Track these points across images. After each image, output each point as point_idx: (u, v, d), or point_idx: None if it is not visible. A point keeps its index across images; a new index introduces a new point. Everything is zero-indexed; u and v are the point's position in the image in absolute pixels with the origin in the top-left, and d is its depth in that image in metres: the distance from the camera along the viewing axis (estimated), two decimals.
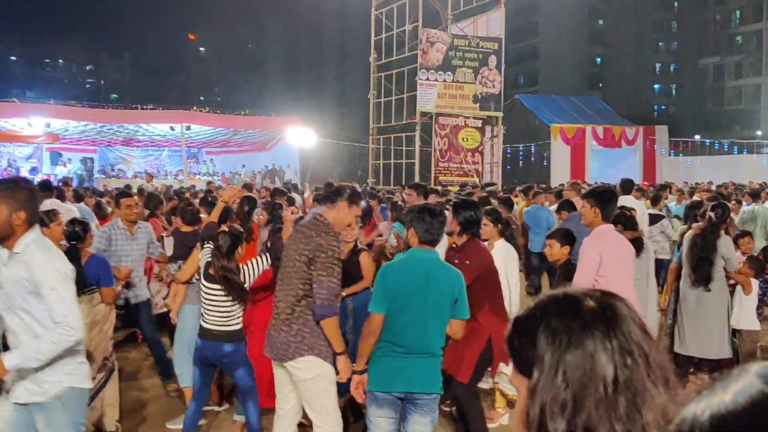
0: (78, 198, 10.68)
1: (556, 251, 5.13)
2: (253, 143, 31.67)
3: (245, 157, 31.48)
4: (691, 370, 6.28)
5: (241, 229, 4.71)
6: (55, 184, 19.91)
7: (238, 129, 29.73)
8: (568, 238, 5.16)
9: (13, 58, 72.28)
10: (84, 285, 4.69)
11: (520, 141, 34.86)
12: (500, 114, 25.21)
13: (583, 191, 6.93)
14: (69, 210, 7.47)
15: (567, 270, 5.05)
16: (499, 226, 5.72)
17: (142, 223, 6.52)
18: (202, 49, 75.11)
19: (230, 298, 4.42)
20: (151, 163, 30.92)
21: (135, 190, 13.77)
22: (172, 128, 26.96)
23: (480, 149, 24.95)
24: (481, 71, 24.49)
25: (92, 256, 4.98)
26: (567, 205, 8.04)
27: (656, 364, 1.07)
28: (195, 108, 30.53)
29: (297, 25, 63.55)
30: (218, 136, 30.31)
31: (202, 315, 4.52)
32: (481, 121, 24.99)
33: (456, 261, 4.30)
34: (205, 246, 4.63)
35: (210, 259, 4.45)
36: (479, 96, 24.62)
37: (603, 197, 4.64)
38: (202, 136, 29.75)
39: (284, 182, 26.49)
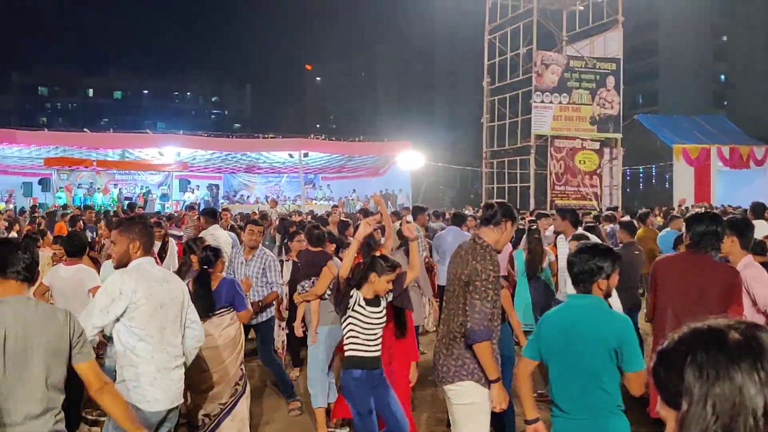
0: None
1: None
2: (367, 168, 32.29)
3: (359, 183, 32.11)
4: None
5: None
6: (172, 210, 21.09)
7: (353, 155, 30.44)
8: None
9: (146, 92, 77.54)
10: (213, 307, 4.94)
11: (640, 163, 33.61)
12: (619, 135, 24.46)
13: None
14: (224, 236, 7.81)
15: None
16: None
17: (262, 249, 6.77)
18: (318, 78, 77.62)
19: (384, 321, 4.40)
20: (271, 189, 32.15)
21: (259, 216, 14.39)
22: (290, 155, 27.99)
23: (598, 172, 24.27)
24: (598, 92, 23.91)
25: (224, 279, 5.18)
26: None
27: None
28: (312, 135, 31.59)
29: (408, 52, 64.50)
30: (334, 162, 31.13)
31: (363, 344, 4.29)
32: (598, 143, 24.33)
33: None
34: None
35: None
36: (597, 117, 24.01)
37: (740, 226, 4.48)
38: (318, 163, 30.66)
39: (397, 207, 26.84)
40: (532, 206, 22.40)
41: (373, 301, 4.30)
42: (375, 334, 4.27)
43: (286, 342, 7.66)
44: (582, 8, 25.57)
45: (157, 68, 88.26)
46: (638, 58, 52.63)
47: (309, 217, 14.41)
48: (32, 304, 2.94)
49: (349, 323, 4.27)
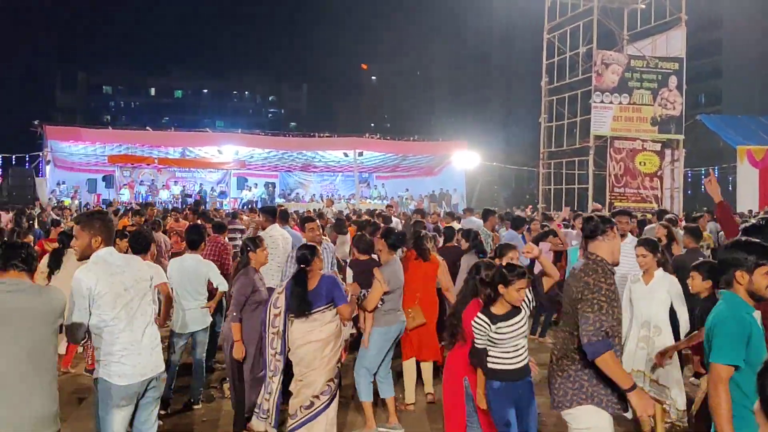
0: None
1: (698, 284, 5.08)
2: (421, 168, 32.28)
3: (414, 182, 32.12)
4: None
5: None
6: (232, 207, 21.39)
7: (407, 154, 30.48)
8: (712, 272, 4.88)
9: (206, 91, 79.18)
10: (310, 306, 5.03)
11: (702, 164, 32.73)
12: (681, 137, 23.81)
13: None
14: (283, 235, 7.87)
15: (709, 304, 4.66)
16: (658, 255, 5.58)
17: (326, 244, 6.92)
18: (373, 78, 77.91)
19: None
20: (326, 188, 32.45)
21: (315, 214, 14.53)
22: (345, 154, 28.22)
23: (659, 174, 23.67)
24: (660, 92, 23.31)
25: (323, 276, 5.23)
26: None
27: None
28: (367, 135, 31.75)
29: (464, 51, 64.16)
30: (388, 161, 31.23)
31: (503, 357, 4.13)
32: (660, 144, 23.74)
33: None
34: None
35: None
36: (658, 118, 23.43)
37: None
38: (373, 162, 30.81)
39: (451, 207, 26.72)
40: (590, 208, 22.01)
41: (509, 314, 4.14)
42: (516, 345, 4.13)
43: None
44: (644, 6, 24.96)
45: (217, 68, 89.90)
46: (701, 57, 51.11)
47: (365, 216, 14.43)
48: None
49: (487, 346, 4.10)
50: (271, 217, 8.07)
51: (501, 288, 4.11)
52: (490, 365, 4.12)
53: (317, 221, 7.56)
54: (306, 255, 5.16)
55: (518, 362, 4.14)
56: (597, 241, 3.72)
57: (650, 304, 5.53)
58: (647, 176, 23.48)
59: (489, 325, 4.08)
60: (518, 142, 43.38)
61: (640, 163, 23.37)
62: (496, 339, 4.08)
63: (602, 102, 22.99)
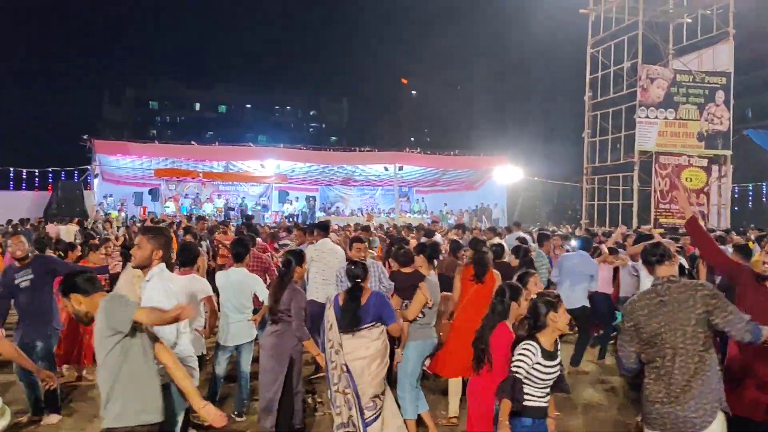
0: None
1: None
2: (462, 182, 32.19)
3: (454, 196, 32.03)
4: None
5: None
6: (271, 220, 21.57)
7: (448, 168, 30.46)
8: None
9: (249, 105, 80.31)
10: (360, 322, 5.07)
11: (749, 180, 31.93)
12: (729, 152, 23.31)
13: None
14: (333, 250, 8.04)
15: None
16: None
17: (372, 262, 6.90)
18: (413, 92, 78.08)
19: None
20: (366, 202, 32.55)
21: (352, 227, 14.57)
22: (385, 168, 28.31)
23: (705, 190, 23.19)
24: (706, 107, 22.88)
25: (373, 292, 5.29)
26: None
27: None
28: (407, 149, 31.81)
29: (505, 65, 63.98)
30: (428, 175, 31.24)
31: (535, 394, 4.02)
32: (706, 159, 23.26)
33: None
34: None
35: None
36: (705, 133, 22.98)
37: None
38: (413, 176, 30.84)
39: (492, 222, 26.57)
40: (634, 224, 21.65)
41: (554, 353, 4.06)
42: (547, 385, 4.05)
43: None
44: (690, 21, 24.63)
45: (260, 83, 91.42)
46: (749, 71, 50.01)
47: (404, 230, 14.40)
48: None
49: (525, 377, 3.97)
50: (322, 231, 8.23)
51: (552, 316, 3.99)
52: (525, 401, 4.00)
53: (364, 242, 7.51)
54: (359, 272, 5.22)
55: (546, 401, 4.08)
56: (665, 266, 3.89)
57: None
58: (693, 192, 23.01)
59: (534, 357, 3.95)
60: (560, 157, 42.93)
61: (686, 179, 22.93)
62: (535, 375, 3.96)
63: (647, 117, 22.65)
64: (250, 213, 24.33)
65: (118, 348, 3.45)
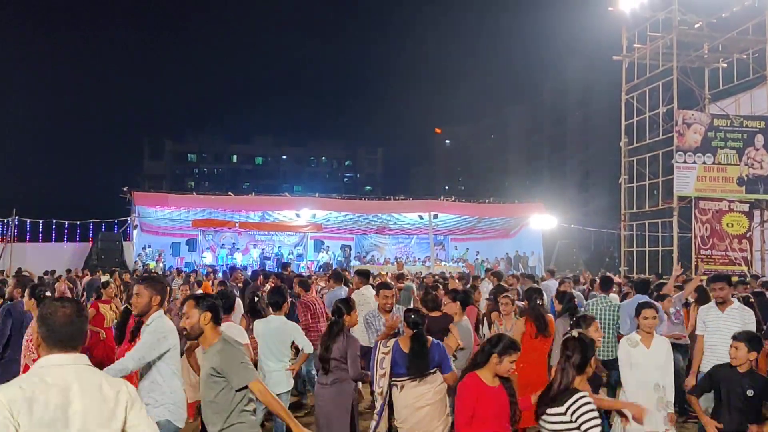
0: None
1: (742, 355, 4.82)
2: (497, 230, 32.03)
3: (489, 244, 31.85)
4: None
5: None
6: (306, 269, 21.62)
7: (483, 216, 30.35)
8: (755, 342, 4.81)
9: (284, 157, 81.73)
10: (428, 367, 5.15)
11: None
12: None
13: None
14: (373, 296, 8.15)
15: (752, 379, 4.73)
16: None
17: (397, 309, 6.89)
18: (447, 141, 78.63)
19: None
20: (401, 250, 32.52)
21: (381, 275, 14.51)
22: (420, 217, 28.32)
23: (748, 235, 22.66)
24: (746, 152, 22.54)
25: (433, 341, 5.35)
26: None
27: None
28: (441, 197, 31.86)
29: (539, 113, 64.12)
30: (463, 223, 31.17)
31: None
32: (747, 204, 22.81)
33: None
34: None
35: None
36: (745, 178, 22.58)
37: None
38: (448, 224, 30.79)
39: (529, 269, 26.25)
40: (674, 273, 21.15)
41: None
42: None
43: None
44: (725, 65, 24.50)
45: (295, 135, 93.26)
46: None
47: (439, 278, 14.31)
48: None
49: None
50: (365, 278, 8.55)
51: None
52: None
53: (392, 288, 7.43)
54: (419, 319, 5.30)
55: None
56: None
57: None
58: (735, 238, 22.50)
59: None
60: (596, 203, 42.60)
61: (727, 224, 22.45)
62: None
63: (685, 162, 22.37)
64: (286, 261, 24.48)
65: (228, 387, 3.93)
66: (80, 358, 2.63)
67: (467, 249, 32.27)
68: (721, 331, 6.28)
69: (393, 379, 5.14)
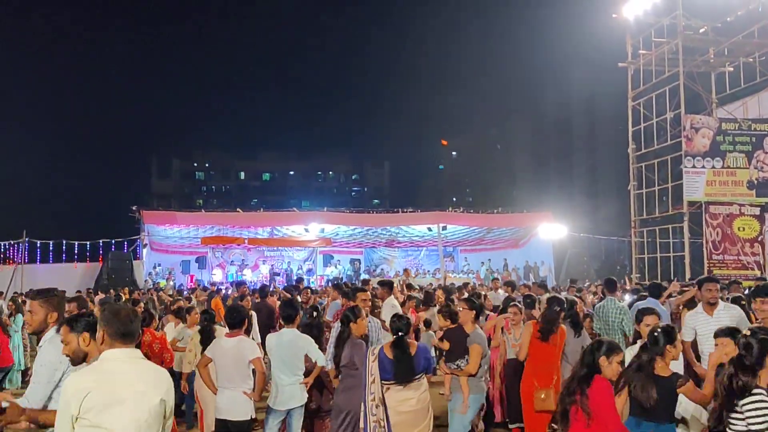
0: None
1: (731, 350, 4.47)
2: (506, 240, 31.94)
3: (499, 254, 31.73)
4: None
5: None
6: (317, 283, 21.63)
7: (492, 227, 30.27)
8: (737, 334, 4.60)
9: (292, 173, 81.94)
10: (414, 373, 5.17)
11: None
12: None
13: None
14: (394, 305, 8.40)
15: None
16: None
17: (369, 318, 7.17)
18: (454, 153, 78.64)
19: None
20: (410, 263, 32.41)
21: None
22: (429, 229, 28.26)
23: (760, 239, 22.49)
24: (755, 155, 22.43)
25: (420, 345, 5.41)
26: None
27: None
28: (449, 209, 31.79)
29: (545, 122, 64.05)
30: (472, 234, 31.08)
31: None
32: (759, 208, 22.65)
33: None
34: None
35: None
36: (755, 181, 22.46)
37: None
38: (457, 236, 30.71)
39: (540, 279, 26.11)
40: (687, 277, 21.03)
41: None
42: None
43: None
44: (732, 69, 24.45)
45: (302, 150, 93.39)
46: None
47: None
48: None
49: None
50: (389, 289, 9.00)
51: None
52: None
53: (368, 292, 7.87)
54: (402, 325, 5.34)
55: None
56: None
57: None
58: (747, 242, 22.34)
59: None
60: (604, 211, 42.40)
61: (738, 228, 22.31)
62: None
63: (694, 167, 22.27)
64: (300, 277, 24.52)
65: None
66: (135, 352, 3.29)
67: (487, 260, 32.04)
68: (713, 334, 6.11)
69: (381, 382, 5.18)
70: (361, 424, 5.27)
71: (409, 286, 13.23)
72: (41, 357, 4.06)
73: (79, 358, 3.80)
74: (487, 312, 9.76)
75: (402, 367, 5.10)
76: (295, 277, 26.56)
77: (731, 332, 4.83)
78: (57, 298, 4.40)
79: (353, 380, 5.54)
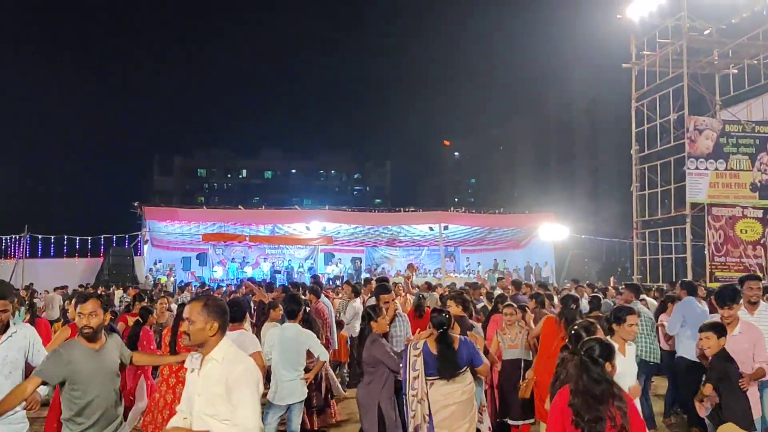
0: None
1: (714, 343, 5.04)
2: (508, 241, 31.83)
3: (500, 255, 31.63)
4: None
5: None
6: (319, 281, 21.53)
7: (493, 227, 30.16)
8: (719, 328, 5.11)
9: (294, 171, 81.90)
10: (458, 367, 5.16)
11: None
12: None
13: None
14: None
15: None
16: None
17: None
18: (456, 153, 78.57)
19: None
20: (411, 262, 32.33)
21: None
22: (431, 228, 28.17)
23: (762, 241, 22.44)
24: (759, 157, 22.39)
25: (462, 338, 5.38)
26: None
27: None
28: (451, 209, 31.70)
29: (547, 123, 63.91)
30: (474, 234, 30.98)
31: None
32: (761, 210, 22.60)
33: None
34: None
35: None
36: (758, 183, 22.41)
37: None
38: (458, 236, 30.61)
39: (541, 280, 26.04)
40: (689, 279, 20.95)
41: None
42: None
43: None
44: (736, 71, 24.38)
45: (304, 149, 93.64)
46: None
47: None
48: None
49: None
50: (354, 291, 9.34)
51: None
52: None
53: (392, 293, 7.41)
54: (444, 320, 5.30)
55: None
56: None
57: None
58: (749, 244, 22.29)
59: None
60: (607, 212, 42.31)
61: (741, 230, 22.26)
62: None
63: (697, 168, 22.23)
64: (316, 273, 24.50)
65: None
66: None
67: (497, 259, 31.93)
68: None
69: (425, 378, 5.16)
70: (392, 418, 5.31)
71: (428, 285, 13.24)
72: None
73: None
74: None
75: (446, 362, 5.10)
76: (307, 276, 26.61)
77: (714, 326, 5.15)
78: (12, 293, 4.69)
79: (371, 377, 5.52)
